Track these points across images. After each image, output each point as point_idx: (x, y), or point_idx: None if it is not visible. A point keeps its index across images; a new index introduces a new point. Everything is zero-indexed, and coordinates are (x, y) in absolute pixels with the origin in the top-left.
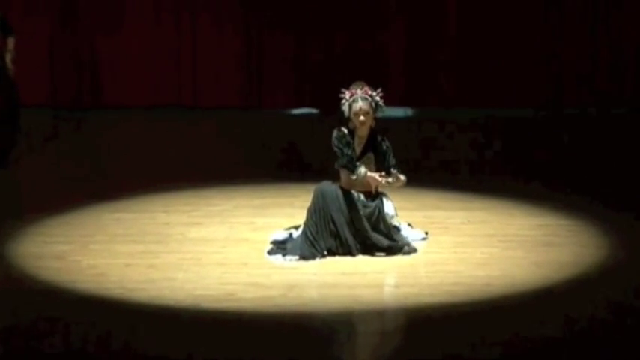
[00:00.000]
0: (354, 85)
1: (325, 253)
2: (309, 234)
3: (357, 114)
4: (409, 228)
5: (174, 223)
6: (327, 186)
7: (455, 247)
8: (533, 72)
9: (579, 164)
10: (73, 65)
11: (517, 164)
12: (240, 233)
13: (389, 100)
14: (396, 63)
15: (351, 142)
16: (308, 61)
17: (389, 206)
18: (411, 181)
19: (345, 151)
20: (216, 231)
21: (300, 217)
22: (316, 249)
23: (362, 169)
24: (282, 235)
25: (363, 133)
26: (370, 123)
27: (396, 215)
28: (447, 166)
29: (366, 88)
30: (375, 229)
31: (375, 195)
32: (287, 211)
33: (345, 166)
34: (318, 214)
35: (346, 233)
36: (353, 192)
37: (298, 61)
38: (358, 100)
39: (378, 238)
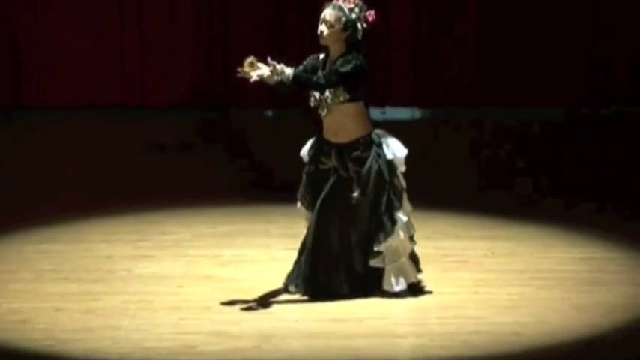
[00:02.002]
0: None
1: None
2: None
3: (320, 21)
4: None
5: (117, 257)
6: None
7: (475, 286)
8: (568, 68)
9: (633, 179)
10: None
11: (553, 180)
12: (202, 269)
13: (394, 100)
14: (402, 57)
15: (318, 64)
16: (285, 53)
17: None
18: (419, 203)
19: (301, 66)
20: (170, 266)
21: (277, 247)
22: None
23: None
24: None
25: (332, 54)
26: (331, 41)
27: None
28: (464, 183)
29: (357, 0)
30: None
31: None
32: (261, 240)
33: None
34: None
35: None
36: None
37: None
38: (329, 6)
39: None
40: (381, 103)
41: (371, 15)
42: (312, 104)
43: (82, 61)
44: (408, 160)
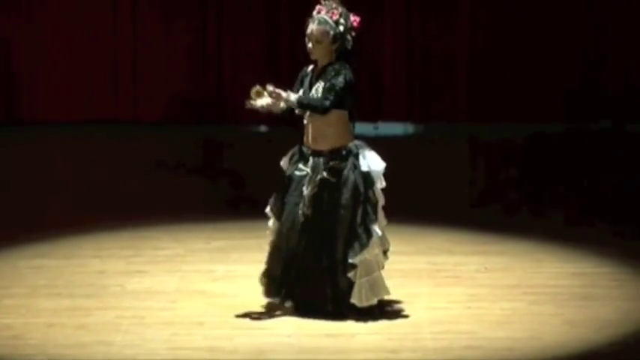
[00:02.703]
0: (329, 1)
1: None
2: None
3: (307, 38)
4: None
5: (110, 272)
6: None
7: (468, 301)
8: (560, 81)
9: (625, 192)
10: None
11: (545, 194)
12: (195, 284)
13: (387, 115)
14: (392, 71)
15: (305, 74)
16: (280, 67)
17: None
18: (413, 218)
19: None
20: (163, 282)
21: None
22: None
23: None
24: None
25: (320, 63)
26: (321, 55)
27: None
28: (457, 198)
29: (340, 9)
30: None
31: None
32: (255, 255)
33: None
34: None
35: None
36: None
37: (269, 65)
38: (314, 20)
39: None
40: (373, 118)
41: (355, 21)
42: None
43: (75, 76)
44: (401, 175)
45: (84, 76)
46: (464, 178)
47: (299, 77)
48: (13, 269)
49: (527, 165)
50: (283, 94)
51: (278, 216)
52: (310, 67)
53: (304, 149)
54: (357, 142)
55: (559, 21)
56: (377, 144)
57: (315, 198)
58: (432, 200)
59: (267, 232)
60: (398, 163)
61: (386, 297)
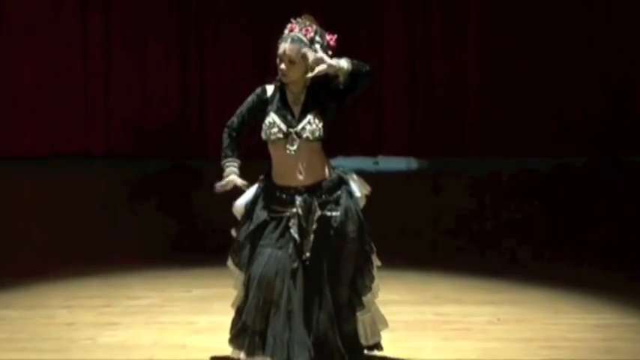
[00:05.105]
0: (302, 18)
1: None
2: None
3: (279, 59)
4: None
5: (80, 324)
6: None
7: (479, 356)
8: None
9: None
10: None
11: (563, 236)
12: (174, 337)
13: (388, 149)
14: (396, 104)
15: (270, 107)
16: None
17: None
18: (416, 264)
19: (238, 116)
20: (139, 335)
21: None
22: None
23: (228, 170)
24: None
25: (294, 88)
26: (296, 78)
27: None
28: (465, 241)
29: (314, 27)
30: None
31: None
32: None
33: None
34: None
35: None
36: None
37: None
38: (287, 40)
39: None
40: (372, 153)
41: (332, 39)
42: (271, 138)
43: (42, 108)
44: (402, 215)
45: (51, 108)
46: (473, 219)
47: (252, 101)
48: None
49: (545, 203)
50: (332, 62)
51: (246, 267)
52: (269, 91)
53: (280, 189)
54: (339, 167)
55: (576, 46)
56: (377, 181)
57: (316, 238)
58: (438, 243)
59: (233, 287)
60: (400, 202)
61: (386, 328)
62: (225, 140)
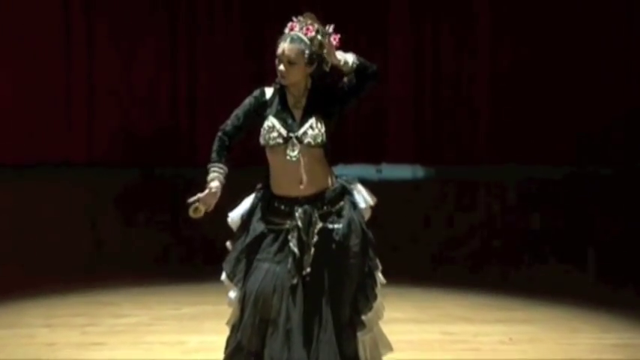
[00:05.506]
0: (303, 17)
1: None
2: None
3: (278, 59)
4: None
5: (61, 344)
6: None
7: None
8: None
9: None
10: None
11: (580, 251)
12: (163, 358)
13: (392, 156)
14: (398, 103)
15: (269, 110)
16: None
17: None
18: (423, 280)
19: (233, 119)
20: (126, 356)
21: None
22: None
23: (211, 175)
24: None
25: (295, 91)
26: (296, 80)
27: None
28: (477, 256)
29: (315, 26)
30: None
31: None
32: None
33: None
34: None
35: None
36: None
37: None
38: (286, 39)
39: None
40: (375, 160)
41: (335, 39)
42: (270, 143)
43: (22, 113)
44: (408, 227)
45: (30, 113)
46: (482, 231)
47: (249, 104)
48: None
49: (558, 215)
50: (339, 55)
51: (243, 283)
52: (269, 93)
53: (278, 199)
54: (343, 176)
55: (595, 47)
56: (380, 191)
57: (316, 252)
58: (445, 257)
59: (228, 304)
60: (405, 214)
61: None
62: (216, 143)
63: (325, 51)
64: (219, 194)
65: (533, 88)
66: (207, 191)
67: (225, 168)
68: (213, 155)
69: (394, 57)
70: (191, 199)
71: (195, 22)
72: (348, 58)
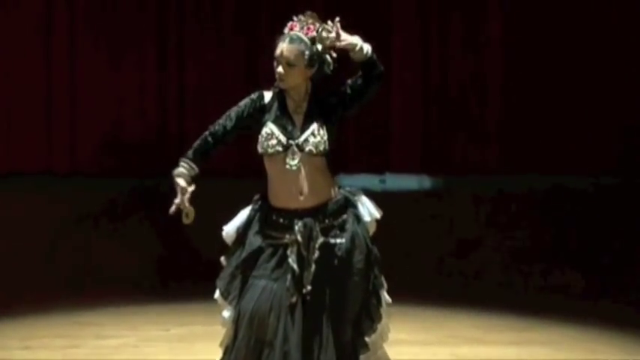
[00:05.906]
0: (304, 16)
1: None
2: None
3: (276, 61)
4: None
5: None
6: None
7: None
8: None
9: None
10: None
11: (598, 268)
12: None
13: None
14: (406, 114)
15: (268, 115)
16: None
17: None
18: (429, 298)
19: (224, 120)
20: None
21: None
22: None
23: (177, 170)
24: None
25: (295, 95)
26: (295, 83)
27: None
28: (487, 272)
29: (317, 25)
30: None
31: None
32: None
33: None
34: None
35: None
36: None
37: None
38: (285, 39)
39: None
40: (378, 170)
41: (335, 28)
42: (269, 151)
43: (3, 121)
44: (414, 242)
45: (9, 120)
46: (493, 246)
47: (245, 106)
48: None
49: (573, 226)
50: (353, 40)
51: (237, 301)
52: (267, 97)
53: (276, 212)
54: (347, 187)
55: (614, 48)
56: (384, 202)
57: (317, 269)
58: (453, 274)
59: (221, 324)
60: (410, 226)
61: None
62: (198, 142)
63: (331, 35)
64: (190, 189)
65: (548, 93)
66: (179, 195)
67: (197, 169)
68: (189, 152)
69: (398, 59)
70: (172, 210)
71: (184, 22)
72: (365, 45)
